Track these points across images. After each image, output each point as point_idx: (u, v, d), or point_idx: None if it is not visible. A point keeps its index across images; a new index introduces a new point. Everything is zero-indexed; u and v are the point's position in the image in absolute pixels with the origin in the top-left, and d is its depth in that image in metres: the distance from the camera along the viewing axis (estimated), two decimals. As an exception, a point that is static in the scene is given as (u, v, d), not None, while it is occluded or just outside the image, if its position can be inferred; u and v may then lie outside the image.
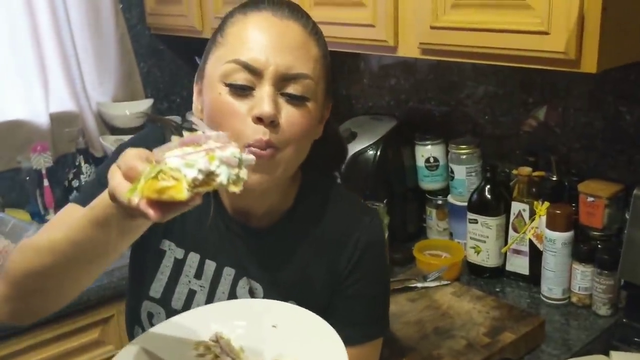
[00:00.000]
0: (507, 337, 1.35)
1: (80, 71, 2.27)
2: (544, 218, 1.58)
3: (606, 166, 1.59)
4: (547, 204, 1.58)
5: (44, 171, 2.18)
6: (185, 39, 2.30)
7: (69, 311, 1.73)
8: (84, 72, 2.30)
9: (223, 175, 0.65)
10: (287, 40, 0.89)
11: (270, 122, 0.87)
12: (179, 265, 1.01)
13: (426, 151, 1.88)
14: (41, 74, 2.19)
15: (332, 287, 1.01)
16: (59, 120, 2.26)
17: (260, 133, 0.87)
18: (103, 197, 0.73)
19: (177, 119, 2.50)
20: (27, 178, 2.18)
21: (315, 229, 1.01)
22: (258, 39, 0.89)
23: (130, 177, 0.66)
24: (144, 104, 2.41)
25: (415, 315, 1.46)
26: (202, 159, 0.64)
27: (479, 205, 1.69)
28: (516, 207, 1.64)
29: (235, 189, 0.66)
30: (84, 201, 0.93)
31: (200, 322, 0.90)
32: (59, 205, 2.21)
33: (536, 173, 1.63)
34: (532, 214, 1.61)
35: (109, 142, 2.30)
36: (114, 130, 2.40)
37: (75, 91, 2.28)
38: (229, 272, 1.00)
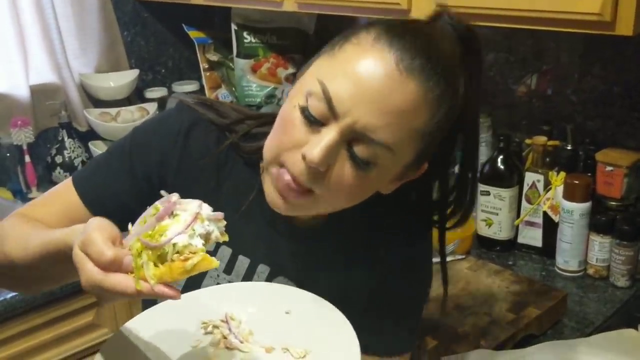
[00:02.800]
0: (532, 313, 1.30)
1: (62, 41, 2.14)
2: (559, 189, 1.54)
3: (624, 134, 1.54)
4: (563, 174, 1.54)
5: (25, 147, 2.07)
6: (172, 5, 2.18)
7: (62, 294, 1.66)
8: (65, 41, 2.16)
9: (216, 231, 0.68)
10: (391, 101, 0.73)
11: (314, 169, 0.76)
12: None
13: (432, 121, 1.81)
14: (20, 45, 2.07)
15: (367, 286, 0.96)
16: (39, 92, 2.15)
17: (299, 171, 0.77)
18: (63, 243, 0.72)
19: (163, 90, 2.40)
20: (8, 154, 2.07)
21: (362, 234, 0.94)
22: (361, 80, 0.74)
23: (112, 269, 0.64)
24: (129, 75, 2.30)
25: (434, 290, 1.37)
26: (197, 225, 0.66)
27: (491, 177, 1.64)
28: (530, 177, 1.60)
29: (225, 238, 0.69)
30: (86, 185, 0.91)
31: (213, 301, 0.87)
32: (41, 182, 2.12)
33: (550, 142, 1.58)
34: (547, 184, 1.57)
35: (93, 116, 2.20)
36: (98, 103, 2.29)
37: (57, 62, 2.15)
38: (263, 270, 0.93)
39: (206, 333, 0.83)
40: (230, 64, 2.30)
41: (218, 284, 0.94)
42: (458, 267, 1.52)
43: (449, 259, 1.53)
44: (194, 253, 0.64)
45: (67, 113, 2.16)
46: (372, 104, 0.73)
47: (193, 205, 0.67)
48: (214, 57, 2.31)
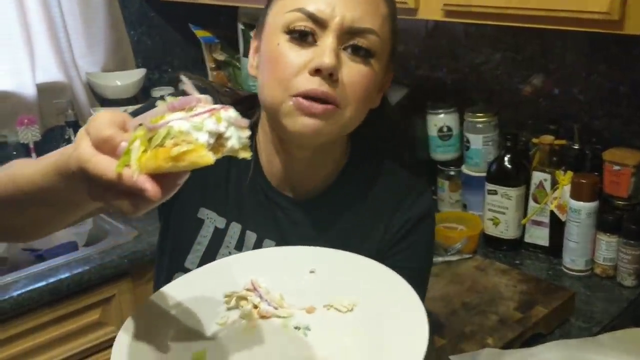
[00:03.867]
0: (539, 312, 1.30)
1: (69, 39, 2.15)
2: (566, 188, 1.53)
3: (631, 133, 1.54)
4: (570, 173, 1.54)
5: (31, 145, 2.08)
6: (178, 4, 2.19)
7: (68, 292, 1.64)
8: (72, 40, 2.17)
9: (234, 139, 0.58)
10: None
11: (330, 76, 0.80)
12: (219, 235, 0.95)
13: (439, 120, 1.81)
14: (27, 43, 2.07)
15: (377, 257, 0.93)
16: (46, 91, 2.15)
17: (316, 84, 0.81)
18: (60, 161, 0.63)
19: (170, 90, 2.40)
20: (14, 153, 2.07)
21: (361, 202, 0.96)
22: None
23: (106, 149, 0.57)
24: (136, 74, 2.30)
25: (440, 289, 1.41)
26: (208, 120, 0.56)
27: (498, 176, 1.63)
28: (537, 177, 1.59)
29: (245, 154, 0.59)
30: None
31: (227, 272, 0.82)
32: (48, 181, 2.11)
33: (557, 141, 1.58)
34: (554, 183, 1.56)
35: (100, 114, 2.19)
36: (105, 102, 2.29)
37: (64, 60, 2.16)
38: (269, 245, 0.95)
39: (229, 308, 0.78)
40: (237, 64, 2.30)
41: None
42: (465, 266, 1.52)
43: (455, 258, 1.55)
44: (191, 143, 0.55)
45: (73, 112, 2.17)
46: (347, 1, 0.82)
47: (202, 106, 0.59)
48: (220, 56, 2.31)
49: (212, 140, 0.56)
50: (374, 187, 0.97)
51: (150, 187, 0.55)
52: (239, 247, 0.95)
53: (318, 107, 0.81)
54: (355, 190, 0.97)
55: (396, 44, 0.91)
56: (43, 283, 1.60)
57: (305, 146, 0.90)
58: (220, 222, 0.96)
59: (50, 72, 2.15)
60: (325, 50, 0.80)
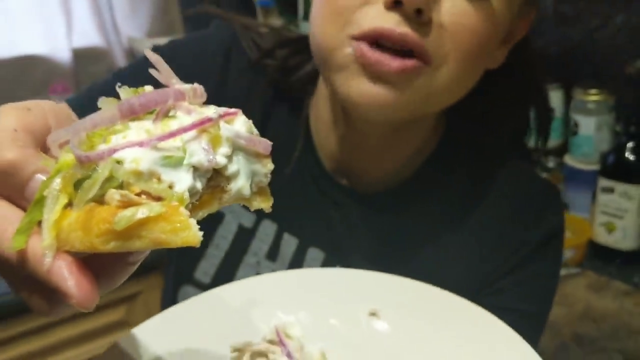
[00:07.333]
0: (683, 353, 0.99)
1: (110, 0, 2.05)
2: None
3: None
4: None
5: (65, 116, 1.93)
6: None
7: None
8: (113, 1, 2.06)
9: (243, 177, 0.34)
10: None
11: (417, 13, 0.53)
12: (244, 236, 0.72)
13: (539, 98, 1.54)
14: (63, 3, 1.95)
15: (471, 289, 0.69)
16: (83, 56, 2.03)
17: (393, 22, 0.53)
18: None
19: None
20: (46, 123, 1.94)
21: (454, 206, 0.70)
22: None
23: (5, 186, 0.33)
24: (184, 41, 2.10)
25: None
26: (194, 143, 0.32)
27: (617, 170, 1.37)
28: (668, 172, 1.30)
29: (264, 204, 0.36)
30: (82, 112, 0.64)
31: (246, 307, 0.58)
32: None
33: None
34: (692, 182, 1.26)
35: (142, 85, 2.04)
36: (148, 71, 2.12)
37: (103, 23, 2.05)
38: (314, 256, 0.71)
39: None
40: (296, 29, 2.07)
41: (258, 274, 0.68)
42: (573, 284, 1.27)
43: (561, 273, 1.24)
44: (158, 199, 0.31)
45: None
46: None
47: (208, 110, 0.34)
48: (277, 21, 2.14)
49: (200, 185, 0.32)
50: (475, 187, 0.71)
51: (74, 285, 0.31)
52: (272, 256, 0.72)
53: (393, 62, 0.54)
54: (446, 188, 0.70)
55: None
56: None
57: (372, 121, 0.62)
58: (248, 219, 0.72)
59: (88, 35, 2.04)
60: None
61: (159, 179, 0.31)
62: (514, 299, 0.69)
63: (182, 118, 0.32)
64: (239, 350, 0.54)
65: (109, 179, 0.30)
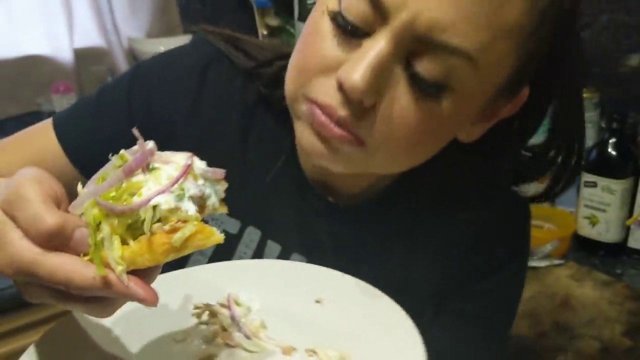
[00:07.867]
0: (656, 340, 1.04)
1: (110, 1, 2.07)
2: (688, 182, 1.25)
3: None
4: (694, 164, 1.25)
5: (67, 115, 1.95)
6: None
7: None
8: (113, 2, 2.09)
9: (213, 196, 0.49)
10: None
11: (357, 103, 0.54)
12: (229, 242, 0.73)
13: (524, 96, 1.57)
14: (64, 3, 1.98)
15: (441, 296, 0.74)
16: (84, 57, 2.06)
17: (336, 101, 0.54)
18: None
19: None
20: (49, 122, 1.96)
21: (432, 213, 0.72)
22: None
23: (52, 247, 0.43)
24: (183, 41, 2.08)
25: (526, 303, 1.19)
26: (188, 183, 0.46)
27: (599, 165, 1.39)
28: (649, 167, 1.34)
29: (224, 209, 0.50)
30: (70, 129, 0.72)
31: (213, 279, 0.69)
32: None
33: (679, 124, 1.31)
34: (671, 176, 1.29)
35: (142, 84, 2.06)
36: (148, 70, 2.15)
37: (104, 24, 2.07)
38: (297, 260, 0.74)
39: (200, 323, 0.64)
40: (292, 30, 2.12)
41: None
42: (555, 274, 1.31)
43: (544, 263, 1.30)
44: (185, 222, 0.44)
45: (112, 79, 2.03)
46: None
47: (180, 157, 0.48)
48: (274, 21, 2.16)
49: (195, 207, 0.46)
50: (452, 195, 0.73)
51: (147, 294, 0.43)
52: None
53: (333, 129, 0.55)
54: (425, 197, 0.72)
55: (534, 59, 0.58)
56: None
57: None
58: (233, 226, 0.74)
59: (89, 36, 2.07)
60: (364, 61, 0.52)
61: (180, 210, 0.44)
62: (479, 307, 0.73)
63: (165, 167, 0.46)
64: (198, 309, 0.64)
65: (152, 217, 0.44)
